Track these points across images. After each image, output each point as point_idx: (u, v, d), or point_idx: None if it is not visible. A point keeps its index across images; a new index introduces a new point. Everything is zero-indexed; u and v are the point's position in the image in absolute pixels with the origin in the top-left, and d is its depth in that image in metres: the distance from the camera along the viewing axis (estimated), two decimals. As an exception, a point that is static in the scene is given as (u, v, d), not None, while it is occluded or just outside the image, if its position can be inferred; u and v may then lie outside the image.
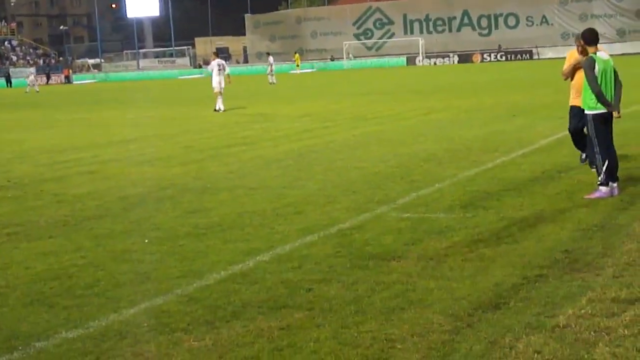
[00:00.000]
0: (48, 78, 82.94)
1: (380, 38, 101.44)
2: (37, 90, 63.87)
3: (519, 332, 5.68)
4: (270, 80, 56.03)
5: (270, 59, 59.82)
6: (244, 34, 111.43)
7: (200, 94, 46.93)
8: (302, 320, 6.16)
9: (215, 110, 29.83)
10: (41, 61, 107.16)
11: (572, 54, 12.26)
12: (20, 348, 5.83)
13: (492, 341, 5.56)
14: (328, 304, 6.52)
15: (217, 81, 30.11)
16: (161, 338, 5.93)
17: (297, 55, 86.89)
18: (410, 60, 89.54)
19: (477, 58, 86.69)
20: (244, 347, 5.67)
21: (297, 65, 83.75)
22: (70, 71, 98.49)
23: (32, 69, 71.21)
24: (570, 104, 12.40)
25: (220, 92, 30.04)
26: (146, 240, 9.11)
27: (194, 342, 5.83)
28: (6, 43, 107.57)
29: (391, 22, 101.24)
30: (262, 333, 5.92)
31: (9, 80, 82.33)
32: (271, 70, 57.66)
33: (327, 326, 6.00)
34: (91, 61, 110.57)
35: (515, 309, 6.19)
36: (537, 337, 5.57)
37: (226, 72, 30.51)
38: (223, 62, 31.20)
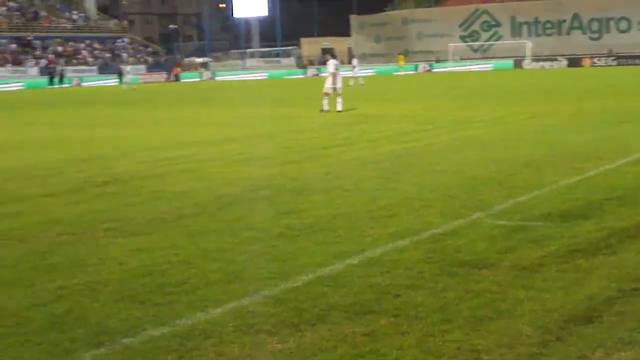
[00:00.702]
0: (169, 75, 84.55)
1: (487, 40, 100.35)
2: (134, 87, 65.17)
3: (610, 348, 5.48)
4: (353, 83, 55.68)
5: (355, 61, 59.92)
6: (349, 35, 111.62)
7: (303, 94, 47.23)
8: (387, 327, 6.08)
9: (323, 111, 29.36)
10: (150, 59, 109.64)
11: None
12: (107, 344, 5.92)
13: (582, 356, 5.38)
14: (415, 310, 6.42)
15: (330, 82, 29.68)
16: (245, 339, 5.93)
17: (401, 56, 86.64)
18: (517, 63, 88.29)
19: (587, 62, 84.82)
20: (326, 351, 5.63)
21: (401, 67, 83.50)
22: (179, 69, 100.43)
23: (129, 67, 72.79)
24: None
25: (329, 94, 29.55)
26: (238, 240, 9.16)
27: (278, 344, 5.81)
28: (119, 41, 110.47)
29: (499, 24, 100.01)
30: (346, 338, 5.86)
31: (121, 77, 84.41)
32: (355, 73, 57.53)
33: (412, 334, 5.90)
34: (199, 60, 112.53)
35: (609, 324, 5.97)
36: (629, 354, 5.36)
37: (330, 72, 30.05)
38: (338, 62, 30.78)
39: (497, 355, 5.43)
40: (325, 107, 29.63)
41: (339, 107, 29.42)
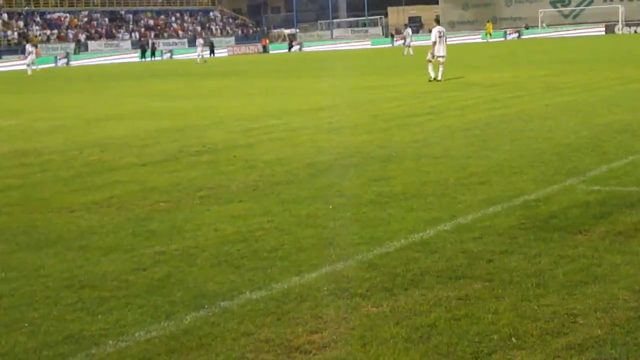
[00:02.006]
0: (211, 51, 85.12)
1: (577, 5, 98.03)
2: (205, 61, 65.30)
3: None
4: (406, 52, 55.43)
5: (409, 30, 59.62)
6: (437, 3, 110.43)
7: (390, 64, 47.03)
8: (481, 291, 6.10)
9: (431, 79, 28.62)
10: (239, 31, 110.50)
11: None
12: (206, 307, 6.08)
13: (680, 321, 5.32)
14: (508, 275, 6.42)
15: (438, 50, 28.79)
16: (340, 302, 6.02)
17: (489, 24, 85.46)
18: (609, 29, 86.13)
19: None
20: (421, 315, 5.68)
21: (489, 34, 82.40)
22: (268, 41, 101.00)
23: (201, 40, 73.19)
24: None
25: (431, 60, 28.87)
26: (330, 206, 9.27)
27: (372, 307, 5.89)
28: (211, 14, 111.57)
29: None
30: (440, 302, 5.91)
31: (212, 50, 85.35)
32: (408, 43, 57.25)
33: (507, 298, 5.91)
34: (287, 31, 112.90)
35: None
36: None
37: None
38: (443, 29, 29.84)
39: (593, 319, 5.41)
40: (432, 74, 28.74)
41: (439, 76, 28.65)
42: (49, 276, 7.07)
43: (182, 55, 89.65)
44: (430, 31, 32.08)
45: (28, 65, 58.69)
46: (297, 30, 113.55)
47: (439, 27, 29.43)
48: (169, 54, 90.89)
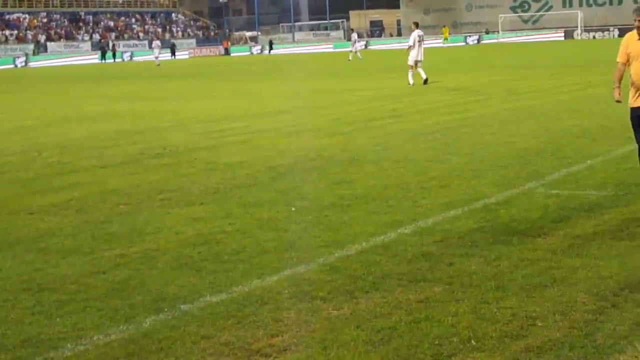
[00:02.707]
0: (173, 52, 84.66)
1: (537, 11, 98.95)
2: (158, 64, 64.66)
3: (666, 315, 5.47)
4: (352, 57, 55.94)
5: (355, 35, 60.25)
6: (399, 7, 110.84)
7: (351, 67, 47.13)
8: (441, 294, 6.13)
9: (410, 85, 28.15)
10: (201, 33, 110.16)
11: (629, 39, 9.54)
12: (166, 310, 6.04)
13: (637, 322, 5.38)
14: (468, 278, 6.46)
15: (414, 54, 28.35)
16: (301, 305, 6.02)
17: (445, 28, 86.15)
18: (568, 34, 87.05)
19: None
20: (381, 317, 5.69)
21: (445, 39, 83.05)
22: (229, 43, 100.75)
23: (158, 42, 72.51)
24: (631, 106, 9.59)
25: (414, 66, 28.39)
26: (293, 209, 9.27)
27: (333, 310, 5.89)
28: (172, 15, 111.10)
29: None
30: (401, 305, 5.93)
31: (173, 52, 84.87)
32: (355, 48, 57.94)
33: (467, 301, 5.95)
34: (248, 34, 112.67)
35: (664, 291, 5.96)
36: (685, 321, 5.35)
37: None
38: (422, 33, 29.57)
39: (552, 322, 5.46)
40: (411, 81, 28.37)
41: (424, 76, 28.24)
42: (7, 279, 6.99)
43: (142, 57, 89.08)
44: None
45: None
46: (259, 32, 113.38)
47: (419, 30, 28.96)
48: (129, 56, 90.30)
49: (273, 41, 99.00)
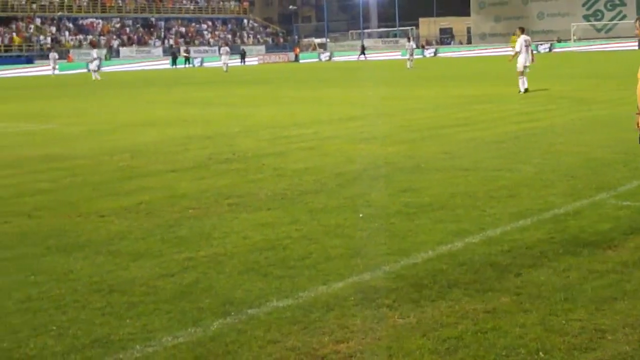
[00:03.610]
0: (242, 59, 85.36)
1: (611, 20, 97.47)
2: (226, 70, 64.86)
3: None
4: (409, 66, 55.62)
5: (412, 44, 59.94)
6: (469, 15, 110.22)
7: (418, 75, 46.97)
8: (508, 305, 6.06)
9: (520, 92, 27.46)
10: (270, 40, 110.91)
11: None
12: (233, 314, 6.09)
13: None
14: (537, 289, 6.39)
15: (522, 60, 27.71)
16: (367, 312, 6.02)
17: (514, 37, 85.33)
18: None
19: None
20: (447, 327, 5.66)
21: (513, 47, 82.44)
22: (299, 50, 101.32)
23: (227, 48, 72.77)
24: None
25: (523, 71, 27.70)
26: (361, 215, 9.27)
27: (399, 318, 5.88)
28: (244, 22, 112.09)
29: (623, 4, 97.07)
30: (467, 314, 5.89)
31: (243, 58, 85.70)
32: (411, 55, 57.66)
33: (535, 312, 5.88)
34: (317, 40, 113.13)
35: None
36: None
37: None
38: (529, 38, 29.04)
39: (622, 335, 5.36)
40: (522, 87, 27.65)
41: (524, 86, 27.69)
42: (78, 280, 7.13)
43: (212, 63, 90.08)
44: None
45: (94, 70, 59.58)
46: (328, 39, 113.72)
47: (525, 36, 28.38)
48: (199, 62, 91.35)
49: (325, 48, 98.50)
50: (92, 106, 30.65)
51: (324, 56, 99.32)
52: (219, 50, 77.10)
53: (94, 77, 58.00)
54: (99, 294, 6.71)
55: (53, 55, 72.06)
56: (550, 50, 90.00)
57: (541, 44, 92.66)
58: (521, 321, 5.70)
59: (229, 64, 67.29)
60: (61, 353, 5.44)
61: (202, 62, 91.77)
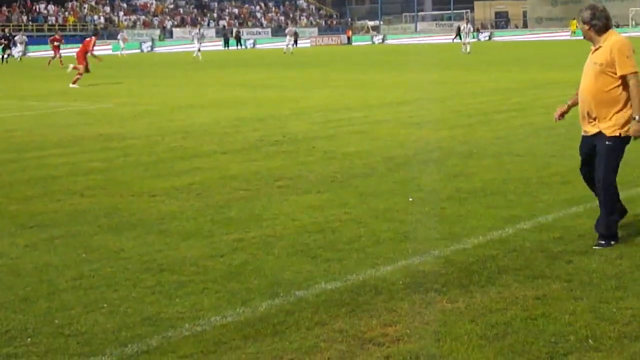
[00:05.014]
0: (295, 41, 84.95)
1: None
2: (288, 52, 64.37)
3: None
4: (467, 50, 54.33)
5: (466, 26, 58.29)
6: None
7: (474, 58, 46.57)
8: (559, 292, 6.01)
9: None
10: (323, 22, 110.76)
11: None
12: (281, 295, 6.12)
13: None
14: (588, 277, 6.32)
15: None
16: (415, 297, 6.00)
17: (573, 21, 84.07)
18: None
19: None
20: (496, 312, 5.62)
21: (573, 32, 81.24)
22: (351, 32, 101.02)
23: (293, 29, 71.61)
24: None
25: None
26: (410, 199, 9.24)
27: (447, 303, 5.86)
28: (298, 3, 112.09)
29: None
30: (517, 300, 5.84)
31: (295, 41, 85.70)
32: (466, 39, 56.31)
33: (585, 299, 5.82)
34: (371, 23, 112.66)
35: None
36: None
37: None
38: None
39: (674, 325, 5.29)
40: None
41: None
42: (129, 259, 7.21)
43: (265, 45, 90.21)
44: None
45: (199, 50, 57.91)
46: (381, 22, 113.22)
47: None
48: (252, 43, 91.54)
49: (379, 31, 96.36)
50: (145, 87, 30.90)
51: (377, 39, 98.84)
52: (275, 32, 75.71)
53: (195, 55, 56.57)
54: (149, 272, 6.78)
55: (122, 35, 72.33)
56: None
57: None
58: (571, 308, 5.64)
59: (289, 47, 66.61)
60: (112, 330, 5.51)
61: (254, 43, 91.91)
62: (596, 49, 7.21)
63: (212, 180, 10.85)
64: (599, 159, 7.19)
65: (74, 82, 30.32)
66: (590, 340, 5.09)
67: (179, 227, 8.36)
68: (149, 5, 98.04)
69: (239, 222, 8.48)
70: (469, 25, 60.58)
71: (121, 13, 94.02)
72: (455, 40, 65.75)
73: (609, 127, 7.10)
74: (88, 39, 32.67)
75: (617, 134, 7.08)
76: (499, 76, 30.62)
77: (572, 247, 7.12)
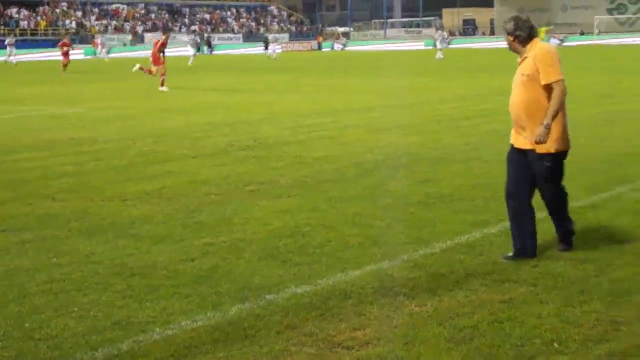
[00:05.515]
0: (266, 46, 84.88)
1: (634, 13, 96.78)
2: (273, 58, 64.43)
3: None
4: (440, 56, 55.19)
5: (441, 33, 59.14)
6: (492, 6, 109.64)
7: (442, 65, 46.84)
8: (525, 295, 6.11)
9: None
10: (294, 28, 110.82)
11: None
12: (252, 299, 6.17)
13: None
14: (553, 281, 6.43)
15: None
16: (384, 301, 6.07)
17: (541, 28, 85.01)
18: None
19: None
20: (464, 316, 5.71)
21: (540, 39, 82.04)
22: (321, 38, 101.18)
23: (276, 35, 72.08)
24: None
25: None
26: (378, 205, 9.31)
27: (416, 307, 5.93)
28: (269, 8, 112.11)
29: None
30: (484, 304, 5.93)
31: (266, 46, 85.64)
32: (441, 46, 57.11)
33: (551, 303, 5.92)
34: (340, 29, 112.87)
35: None
36: None
37: None
38: None
39: (637, 328, 5.40)
40: None
41: None
42: (99, 263, 7.23)
43: (236, 51, 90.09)
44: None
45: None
46: (351, 29, 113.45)
47: None
48: (223, 49, 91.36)
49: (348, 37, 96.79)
50: (117, 90, 30.79)
51: (337, 46, 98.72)
52: (246, 37, 75.28)
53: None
54: (120, 276, 6.81)
55: (102, 39, 71.95)
56: (560, 43, 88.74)
57: (565, 37, 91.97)
58: (537, 312, 5.74)
59: (275, 51, 66.51)
60: (82, 334, 5.53)
61: (224, 49, 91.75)
62: (522, 60, 7.03)
63: (183, 184, 10.88)
64: (539, 179, 7.06)
65: (162, 85, 29.82)
66: (555, 344, 5.18)
67: (149, 231, 8.38)
68: (120, 10, 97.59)
69: (209, 226, 8.52)
70: (444, 32, 61.16)
71: (93, 18, 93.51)
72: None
73: (544, 145, 6.87)
74: (157, 40, 32.01)
75: (553, 151, 6.92)
76: (468, 82, 30.86)
77: (538, 252, 7.21)
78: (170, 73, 31.26)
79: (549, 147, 6.89)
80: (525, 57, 6.99)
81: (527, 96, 6.95)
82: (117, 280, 6.70)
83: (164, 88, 29.51)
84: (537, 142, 6.88)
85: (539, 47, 6.97)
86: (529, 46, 6.99)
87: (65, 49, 46.26)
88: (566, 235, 7.31)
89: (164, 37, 31.73)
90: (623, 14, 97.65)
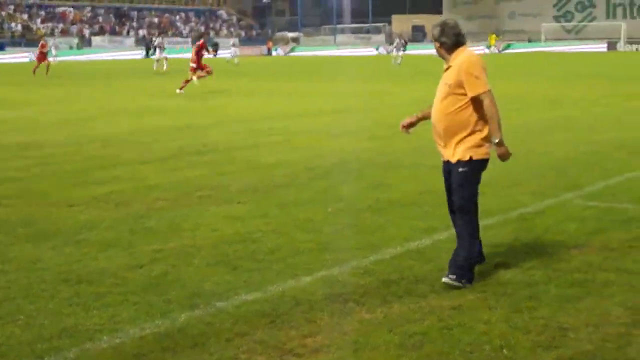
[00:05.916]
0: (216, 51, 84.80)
1: (580, 21, 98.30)
2: (232, 62, 64.53)
3: (700, 332, 5.44)
4: (395, 62, 55.89)
5: (399, 40, 59.94)
6: (441, 12, 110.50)
7: (392, 70, 47.07)
8: (474, 302, 6.15)
9: None
10: (243, 33, 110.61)
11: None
12: (201, 306, 6.12)
13: (671, 339, 5.37)
14: (502, 287, 6.47)
15: None
16: (334, 307, 6.07)
17: (492, 35, 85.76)
18: (611, 46, 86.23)
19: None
20: (414, 323, 5.72)
21: (489, 46, 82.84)
22: (272, 43, 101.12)
23: (237, 40, 72.22)
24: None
25: None
26: (329, 210, 9.32)
27: (366, 314, 5.93)
28: (218, 13, 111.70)
29: (593, 5, 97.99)
30: (433, 310, 5.96)
31: (216, 50, 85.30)
32: (397, 52, 57.87)
33: (500, 309, 5.96)
34: (291, 34, 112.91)
35: (700, 308, 5.93)
36: None
37: None
38: None
39: (584, 334, 5.46)
40: None
41: None
42: (46, 270, 7.12)
43: (186, 54, 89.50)
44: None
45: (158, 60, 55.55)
46: (301, 34, 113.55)
47: None
48: (171, 53, 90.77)
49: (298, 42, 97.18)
50: (65, 95, 30.44)
51: (281, 51, 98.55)
52: (195, 41, 75.43)
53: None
54: (67, 283, 6.71)
55: (54, 41, 71.02)
56: (499, 51, 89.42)
57: (513, 44, 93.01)
58: (486, 318, 5.78)
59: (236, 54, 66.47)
60: (28, 342, 5.44)
61: (173, 53, 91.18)
62: (447, 68, 6.72)
63: (132, 190, 10.77)
64: (454, 187, 6.85)
65: (198, 77, 31.02)
66: (504, 350, 5.22)
67: (97, 237, 8.28)
68: (67, 13, 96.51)
69: (158, 232, 8.44)
70: (402, 40, 61.69)
71: (39, 20, 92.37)
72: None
73: (460, 152, 6.69)
74: (199, 42, 32.41)
75: (468, 158, 6.68)
76: (418, 87, 31.00)
77: (487, 258, 7.25)
78: (118, 76, 31.08)
79: (464, 154, 6.69)
80: (450, 66, 6.68)
81: (445, 106, 6.72)
82: (64, 288, 6.60)
83: (196, 81, 30.81)
84: (503, 161, 6.93)
85: (464, 57, 6.59)
86: (454, 54, 6.64)
87: (44, 50, 45.79)
88: (453, 263, 6.61)
89: (201, 41, 32.37)
90: (570, 22, 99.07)
